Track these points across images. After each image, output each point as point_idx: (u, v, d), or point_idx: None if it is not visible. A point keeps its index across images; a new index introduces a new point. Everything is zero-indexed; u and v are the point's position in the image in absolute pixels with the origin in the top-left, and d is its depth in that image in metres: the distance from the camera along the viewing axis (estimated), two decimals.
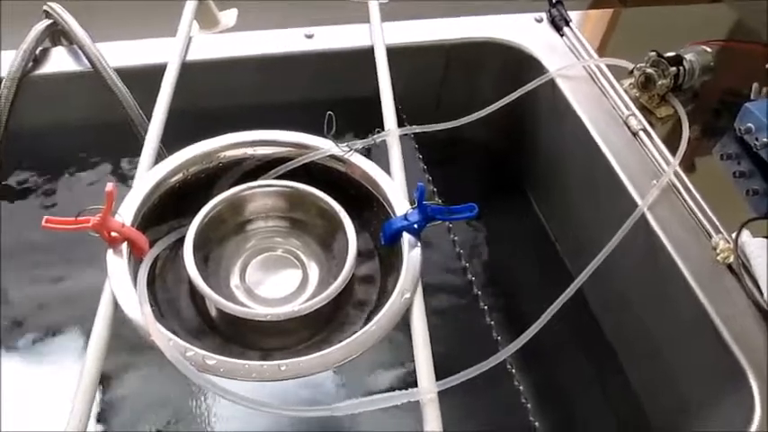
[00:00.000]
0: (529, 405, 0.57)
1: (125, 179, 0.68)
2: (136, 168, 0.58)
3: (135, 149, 0.61)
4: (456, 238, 0.65)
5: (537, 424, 0.56)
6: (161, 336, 0.46)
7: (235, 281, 0.56)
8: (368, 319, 0.53)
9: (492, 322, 0.60)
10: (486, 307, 0.61)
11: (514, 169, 0.82)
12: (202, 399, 0.65)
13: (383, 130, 0.63)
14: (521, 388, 0.57)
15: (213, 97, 0.70)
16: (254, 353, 0.53)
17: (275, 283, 0.56)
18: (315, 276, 0.57)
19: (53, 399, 0.58)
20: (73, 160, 0.67)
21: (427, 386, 0.47)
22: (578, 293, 0.73)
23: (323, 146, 0.59)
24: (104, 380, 0.62)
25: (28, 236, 0.61)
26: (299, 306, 0.51)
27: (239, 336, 0.54)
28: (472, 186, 0.82)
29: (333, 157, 0.59)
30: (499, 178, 0.81)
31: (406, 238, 0.54)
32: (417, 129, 0.63)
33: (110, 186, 0.47)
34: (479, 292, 0.62)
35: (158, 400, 0.64)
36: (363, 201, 0.59)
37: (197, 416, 0.64)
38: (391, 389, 0.63)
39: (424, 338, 0.49)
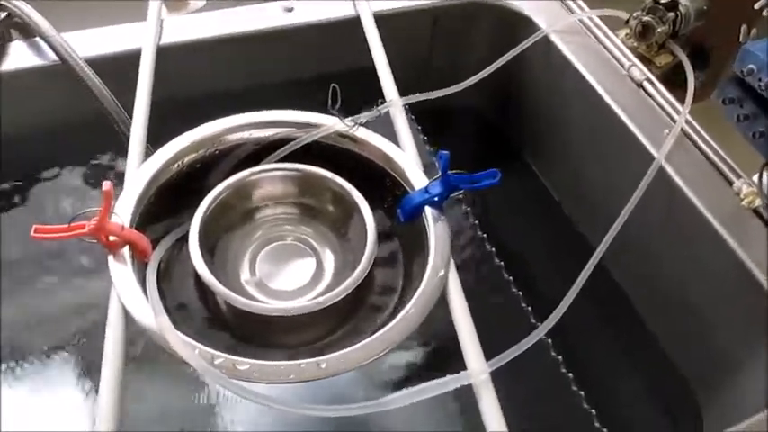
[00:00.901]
0: (570, 374, 0.54)
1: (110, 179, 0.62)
2: (120, 166, 0.53)
3: (115, 146, 0.56)
4: (469, 209, 0.62)
5: (582, 393, 0.53)
6: (183, 345, 0.41)
7: (244, 274, 0.52)
8: (398, 304, 0.49)
9: (520, 293, 0.57)
10: (511, 278, 0.58)
11: (512, 137, 0.79)
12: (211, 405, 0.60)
13: (380, 102, 0.58)
14: (560, 358, 0.54)
15: (192, 84, 0.64)
16: (276, 351, 0.49)
17: (288, 275, 0.52)
18: (330, 264, 0.53)
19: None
20: (48, 164, 0.61)
21: (478, 367, 0.43)
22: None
23: (325, 123, 0.54)
24: None
25: (8, 251, 0.55)
26: (325, 297, 0.47)
27: (255, 334, 0.50)
28: (468, 158, 0.78)
29: (338, 133, 0.54)
30: (496, 148, 0.78)
31: (429, 212, 0.51)
32: (421, 96, 0.59)
33: (107, 185, 0.42)
34: (502, 263, 0.59)
35: (166, 411, 0.59)
36: (375, 178, 0.55)
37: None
38: (413, 379, 0.60)
39: (465, 317, 0.46)
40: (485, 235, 0.61)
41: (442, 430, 0.55)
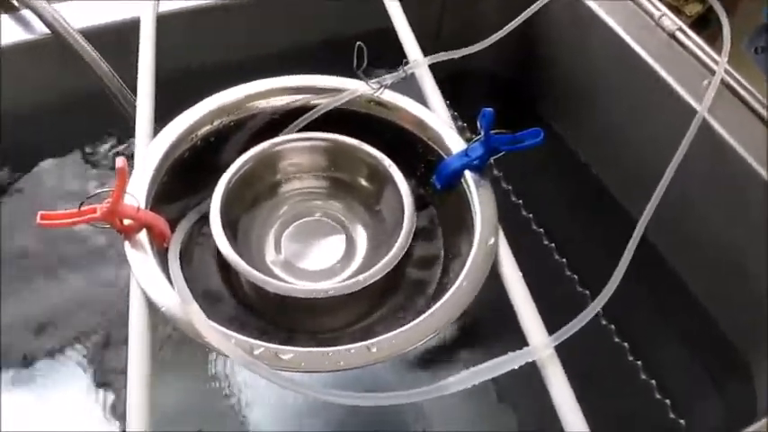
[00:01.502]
0: (626, 344, 0.50)
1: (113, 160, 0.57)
2: (124, 147, 0.48)
3: (118, 125, 0.51)
4: (500, 173, 0.57)
5: (640, 363, 0.50)
6: (220, 336, 0.37)
7: (270, 254, 0.47)
8: (443, 278, 0.45)
9: (564, 260, 0.53)
10: (552, 244, 0.54)
11: (533, 100, 0.75)
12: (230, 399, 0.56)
13: (404, 62, 0.54)
14: (612, 327, 0.50)
15: (193, 55, 0.60)
16: (312, 337, 0.45)
17: (317, 253, 0.48)
18: (362, 240, 0.49)
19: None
20: (45, 148, 0.56)
21: (541, 342, 0.40)
22: (631, 220, 0.68)
23: (347, 87, 0.50)
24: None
25: (8, 242, 0.51)
26: (365, 274, 0.43)
27: (287, 319, 0.46)
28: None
29: (363, 98, 0.50)
30: (517, 112, 0.73)
31: (470, 177, 0.46)
32: (446, 55, 0.54)
33: (121, 161, 0.38)
34: (541, 230, 0.55)
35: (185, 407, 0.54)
36: (405, 144, 0.50)
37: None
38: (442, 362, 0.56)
39: (522, 289, 0.42)
40: (520, 201, 0.57)
41: None
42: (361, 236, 0.49)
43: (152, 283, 0.39)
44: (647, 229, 0.61)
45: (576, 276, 0.54)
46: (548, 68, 0.73)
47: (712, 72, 0.58)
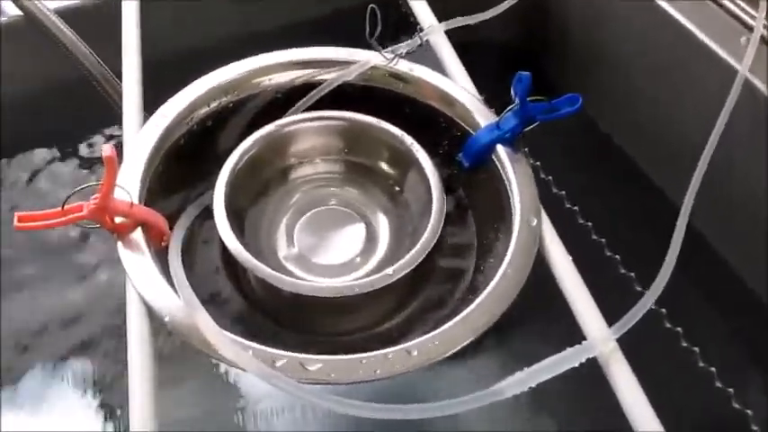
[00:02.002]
0: (679, 329, 0.45)
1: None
2: (109, 135, 0.43)
3: (102, 113, 0.46)
4: (526, 149, 0.52)
5: (697, 349, 0.45)
6: (233, 347, 0.31)
7: (282, 249, 0.42)
8: (481, 267, 0.40)
9: (603, 240, 0.48)
10: (590, 224, 0.49)
11: (550, 72, 0.69)
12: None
13: (408, 38, 0.48)
14: (663, 310, 0.45)
15: (184, 34, 0.54)
16: (335, 341, 0.40)
17: (334, 246, 0.43)
18: (384, 230, 0.43)
19: None
20: (21, 141, 0.50)
21: (601, 334, 0.34)
22: (659, 194, 0.63)
23: (358, 58, 0.44)
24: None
25: None
26: (394, 267, 0.38)
27: (304, 321, 0.41)
28: (497, 102, 0.68)
29: (376, 69, 0.45)
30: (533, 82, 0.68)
31: (503, 152, 0.41)
32: (462, 21, 0.49)
33: (108, 150, 0.32)
34: (576, 208, 0.50)
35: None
36: (425, 119, 0.45)
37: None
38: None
39: (573, 274, 0.37)
40: (550, 178, 0.51)
41: None
42: (382, 224, 0.44)
43: (151, 288, 0.34)
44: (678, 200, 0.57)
45: (617, 257, 0.49)
46: (564, 35, 0.68)
47: (750, 28, 0.53)
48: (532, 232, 0.38)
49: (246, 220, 0.42)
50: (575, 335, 0.46)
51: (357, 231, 0.43)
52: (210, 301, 0.40)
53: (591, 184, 0.61)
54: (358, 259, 0.42)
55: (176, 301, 0.34)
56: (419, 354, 0.33)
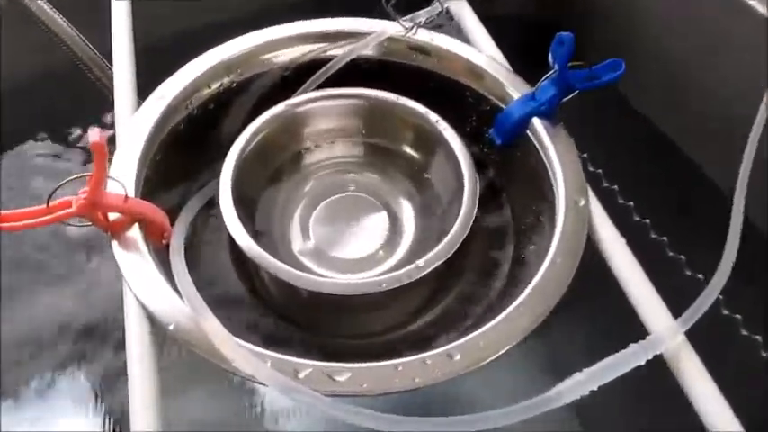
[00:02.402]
0: (738, 316, 0.41)
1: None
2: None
3: (90, 100, 0.41)
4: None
5: (759, 338, 0.40)
6: (250, 357, 0.27)
7: (297, 241, 0.38)
8: (518, 254, 0.36)
9: (647, 220, 0.44)
10: (631, 203, 0.45)
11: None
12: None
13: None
14: (721, 297, 0.41)
15: (179, 15, 0.49)
16: (358, 343, 0.35)
17: (355, 237, 0.39)
18: (409, 219, 0.39)
19: None
20: (13, 132, 0.46)
21: (667, 328, 0.30)
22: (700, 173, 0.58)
23: (373, 29, 0.40)
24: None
25: None
26: (425, 258, 0.33)
27: (324, 321, 0.37)
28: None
29: (393, 41, 0.40)
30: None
31: (539, 125, 0.37)
32: None
33: (95, 134, 0.28)
34: (615, 187, 0.45)
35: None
36: (450, 94, 0.40)
37: None
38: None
39: (629, 261, 0.32)
40: (584, 155, 0.47)
41: None
42: (406, 212, 0.40)
43: (152, 292, 0.30)
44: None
45: (664, 239, 0.45)
46: (592, 12, 0.63)
47: None
48: (580, 214, 0.33)
49: (257, 212, 0.38)
50: (605, 332, 0.42)
51: (379, 221, 0.39)
52: (219, 305, 0.35)
53: (626, 162, 0.56)
54: (381, 252, 0.38)
55: (181, 306, 0.29)
56: (462, 357, 0.28)
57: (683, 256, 0.44)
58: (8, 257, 0.42)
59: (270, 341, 0.34)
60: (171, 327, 0.29)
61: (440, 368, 0.28)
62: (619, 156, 0.54)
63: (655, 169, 0.54)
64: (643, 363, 0.29)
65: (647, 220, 0.45)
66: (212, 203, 0.36)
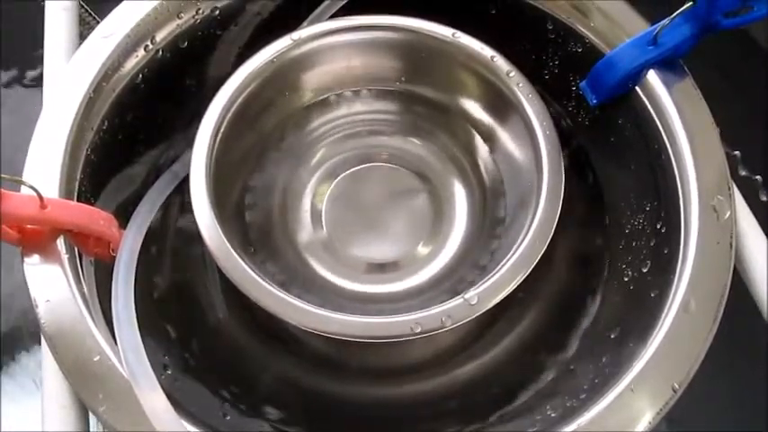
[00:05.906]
0: None
1: None
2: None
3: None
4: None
5: None
6: None
7: (305, 231, 0.28)
8: (615, 278, 0.25)
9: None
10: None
11: None
12: None
13: None
14: None
15: None
16: (392, 383, 0.26)
17: (383, 230, 0.28)
18: (461, 208, 0.29)
19: None
20: None
21: None
22: None
23: None
24: None
25: None
26: (477, 291, 0.24)
27: (349, 356, 0.28)
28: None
29: None
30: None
31: (656, 79, 0.25)
32: None
33: None
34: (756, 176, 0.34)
35: None
36: (525, 30, 0.29)
37: None
38: None
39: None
40: None
41: None
42: (458, 198, 0.29)
43: (74, 345, 0.20)
44: None
45: None
46: None
47: None
48: (723, 230, 0.22)
49: (248, 193, 0.27)
50: None
51: (418, 206, 0.29)
52: (194, 332, 0.26)
53: None
54: (418, 252, 0.28)
55: (114, 373, 0.20)
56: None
57: None
58: None
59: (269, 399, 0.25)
60: (101, 409, 0.19)
61: None
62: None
63: None
64: None
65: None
66: (183, 190, 0.26)
